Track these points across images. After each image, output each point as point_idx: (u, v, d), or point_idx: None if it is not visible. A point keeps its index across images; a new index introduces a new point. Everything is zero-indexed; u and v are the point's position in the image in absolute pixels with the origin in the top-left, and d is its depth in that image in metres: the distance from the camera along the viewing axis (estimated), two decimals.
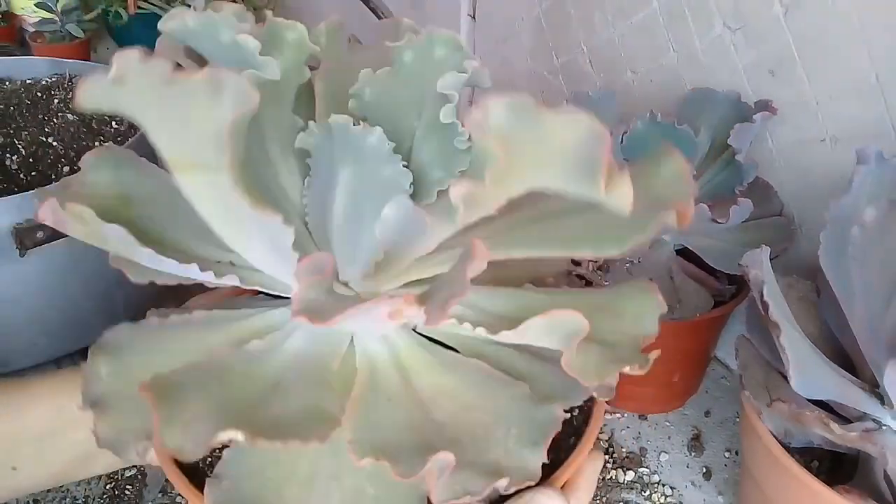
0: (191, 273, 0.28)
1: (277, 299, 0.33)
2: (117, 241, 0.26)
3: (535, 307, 0.28)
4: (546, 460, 0.26)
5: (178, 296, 0.37)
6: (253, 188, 0.24)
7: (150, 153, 0.33)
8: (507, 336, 0.26)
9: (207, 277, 0.28)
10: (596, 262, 0.57)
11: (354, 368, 0.29)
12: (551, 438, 0.27)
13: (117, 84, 0.22)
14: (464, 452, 0.26)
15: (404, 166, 0.28)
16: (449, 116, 0.28)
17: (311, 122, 0.29)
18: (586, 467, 0.30)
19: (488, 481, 0.25)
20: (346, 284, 0.31)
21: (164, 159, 0.25)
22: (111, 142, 0.67)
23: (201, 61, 0.29)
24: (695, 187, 0.27)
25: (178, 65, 0.23)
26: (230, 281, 0.29)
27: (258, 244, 0.28)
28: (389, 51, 0.30)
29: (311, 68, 0.32)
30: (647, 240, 0.25)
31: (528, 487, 0.26)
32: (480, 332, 0.26)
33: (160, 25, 0.27)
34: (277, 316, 0.32)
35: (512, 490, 0.26)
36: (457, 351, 0.31)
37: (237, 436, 0.23)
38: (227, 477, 0.26)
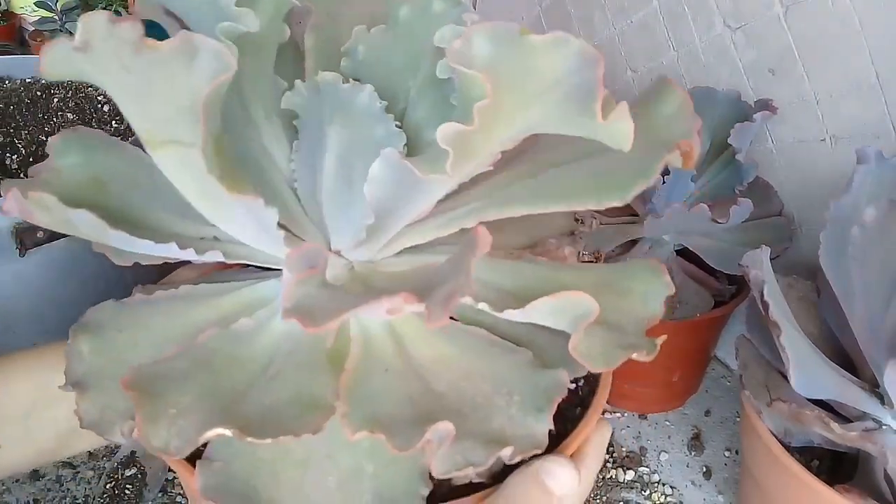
0: (170, 252, 0.27)
1: (265, 271, 0.32)
2: (86, 227, 0.25)
3: (541, 283, 0.26)
4: (552, 427, 0.25)
5: None
6: (230, 167, 0.23)
7: None
8: (512, 314, 0.25)
9: (188, 255, 0.27)
10: (597, 255, 0.57)
11: (348, 339, 0.28)
12: (556, 404, 0.25)
13: (82, 51, 0.20)
14: (464, 422, 0.24)
15: (397, 126, 0.27)
16: (446, 71, 0.26)
17: (297, 82, 0.27)
18: (594, 437, 0.29)
19: (491, 451, 0.24)
20: (338, 253, 0.30)
21: (137, 133, 0.23)
22: None
23: (181, 21, 0.27)
24: (699, 122, 0.25)
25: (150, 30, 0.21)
26: (213, 257, 0.28)
27: (241, 222, 0.26)
28: (383, 5, 0.28)
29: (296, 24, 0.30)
30: (650, 184, 0.24)
31: (536, 456, 0.25)
32: (484, 307, 0.25)
33: None
34: (265, 290, 0.30)
35: (517, 459, 0.24)
36: (454, 318, 0.29)
37: (225, 432, 0.22)
38: (219, 458, 0.25)
